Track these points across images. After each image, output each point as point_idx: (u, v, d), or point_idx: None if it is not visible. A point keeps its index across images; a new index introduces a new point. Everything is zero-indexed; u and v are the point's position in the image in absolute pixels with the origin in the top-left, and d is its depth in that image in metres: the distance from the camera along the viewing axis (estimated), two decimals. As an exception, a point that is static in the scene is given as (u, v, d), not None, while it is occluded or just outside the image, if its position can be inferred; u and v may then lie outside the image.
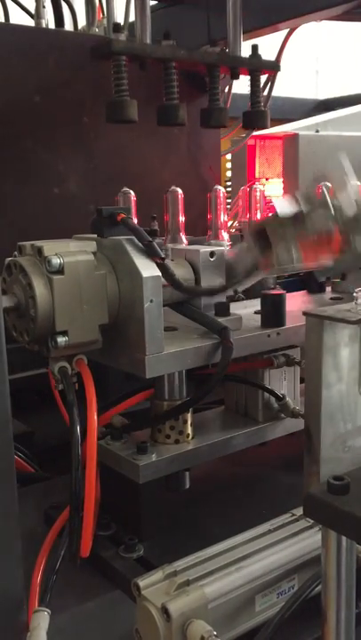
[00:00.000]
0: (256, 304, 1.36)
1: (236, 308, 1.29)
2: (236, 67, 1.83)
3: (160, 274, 1.10)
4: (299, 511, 1.08)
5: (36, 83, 1.74)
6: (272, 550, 1.01)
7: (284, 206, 1.06)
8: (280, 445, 1.43)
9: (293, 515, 1.09)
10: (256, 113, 1.91)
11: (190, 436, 1.27)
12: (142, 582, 0.94)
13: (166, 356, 1.12)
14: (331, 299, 1.52)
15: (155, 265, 1.10)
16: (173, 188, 1.41)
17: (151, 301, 1.09)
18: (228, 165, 2.86)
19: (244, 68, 1.85)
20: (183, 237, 1.42)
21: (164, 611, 0.89)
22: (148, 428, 1.28)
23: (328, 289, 1.61)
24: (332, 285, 1.61)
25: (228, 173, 2.89)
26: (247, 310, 1.37)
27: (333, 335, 1.00)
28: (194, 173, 2.07)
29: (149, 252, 1.10)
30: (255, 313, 1.35)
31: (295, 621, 0.95)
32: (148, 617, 0.91)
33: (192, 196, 2.01)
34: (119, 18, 1.93)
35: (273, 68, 1.92)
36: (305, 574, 1.01)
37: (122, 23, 1.77)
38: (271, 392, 1.36)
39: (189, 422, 1.27)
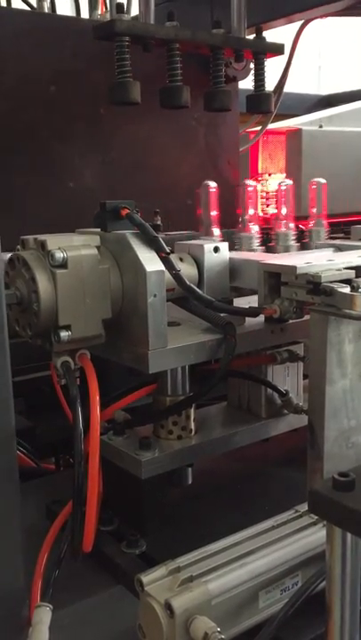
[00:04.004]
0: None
1: (239, 304, 1.28)
2: (240, 48, 1.81)
3: (163, 268, 1.10)
4: (302, 507, 1.08)
5: (51, 72, 1.71)
6: (276, 547, 1.01)
7: None
8: (283, 441, 1.43)
9: (297, 511, 1.08)
10: (260, 96, 1.89)
11: (193, 432, 1.27)
12: (145, 578, 0.93)
13: (169, 352, 1.12)
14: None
15: (158, 259, 1.10)
16: (207, 182, 1.41)
17: (155, 296, 1.08)
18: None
19: (248, 49, 1.83)
20: (217, 230, 1.42)
21: (168, 607, 0.88)
22: (151, 424, 1.28)
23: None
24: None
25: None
26: (250, 305, 1.36)
27: (338, 331, 1.00)
28: (211, 167, 2.04)
29: (155, 247, 1.10)
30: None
31: (299, 618, 0.94)
32: (151, 613, 0.91)
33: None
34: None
35: (277, 50, 1.89)
36: (309, 571, 1.00)
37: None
38: (274, 388, 1.35)
39: (192, 418, 1.27)
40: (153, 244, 1.10)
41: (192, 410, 1.26)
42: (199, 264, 1.26)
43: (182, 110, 1.76)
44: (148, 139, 1.89)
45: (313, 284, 1.05)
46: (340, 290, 0.98)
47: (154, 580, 0.93)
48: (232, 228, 1.98)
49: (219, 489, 1.35)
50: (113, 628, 1.10)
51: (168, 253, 1.11)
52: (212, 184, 1.42)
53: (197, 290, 1.18)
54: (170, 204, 1.63)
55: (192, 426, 1.27)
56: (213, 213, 1.43)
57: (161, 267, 1.09)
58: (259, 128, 2.43)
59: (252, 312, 1.20)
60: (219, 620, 0.90)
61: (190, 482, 1.31)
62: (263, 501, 1.25)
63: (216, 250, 1.26)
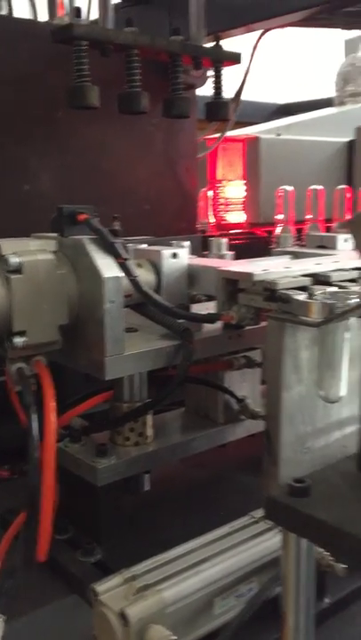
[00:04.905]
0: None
1: (197, 310, 1.28)
2: (198, 56, 1.82)
3: (121, 275, 1.09)
4: (258, 513, 1.08)
5: (7, 74, 1.67)
6: (231, 553, 1.01)
7: None
8: (240, 447, 1.43)
9: (253, 517, 1.09)
10: (218, 104, 1.91)
11: (150, 438, 1.26)
12: (100, 587, 0.92)
13: (126, 358, 1.11)
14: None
15: (116, 265, 1.09)
16: (315, 186, 1.59)
17: (112, 302, 1.07)
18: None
19: (207, 57, 1.84)
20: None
21: (122, 616, 0.88)
22: (108, 431, 1.27)
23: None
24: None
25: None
26: (208, 312, 1.36)
27: (294, 338, 1.01)
28: (170, 173, 2.04)
29: (112, 253, 1.09)
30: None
31: (254, 623, 0.95)
32: (105, 622, 0.90)
33: (168, 196, 1.98)
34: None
35: (234, 59, 1.91)
36: (263, 576, 1.01)
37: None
38: (231, 393, 1.36)
39: (149, 424, 1.26)
40: (110, 249, 1.10)
41: (149, 416, 1.26)
42: (157, 270, 1.25)
43: (141, 116, 1.75)
44: (106, 143, 1.88)
45: (270, 291, 1.06)
46: (296, 297, 0.99)
47: (108, 589, 0.93)
48: (191, 233, 1.98)
49: (176, 495, 1.35)
50: (68, 638, 1.09)
51: (126, 259, 1.10)
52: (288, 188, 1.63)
53: (155, 296, 1.17)
54: (128, 209, 1.60)
55: (149, 432, 1.26)
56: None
57: (118, 273, 1.09)
58: (218, 135, 2.44)
59: (210, 318, 1.20)
60: (174, 627, 0.89)
61: (147, 488, 1.31)
62: (219, 507, 1.25)
63: (175, 256, 1.26)
